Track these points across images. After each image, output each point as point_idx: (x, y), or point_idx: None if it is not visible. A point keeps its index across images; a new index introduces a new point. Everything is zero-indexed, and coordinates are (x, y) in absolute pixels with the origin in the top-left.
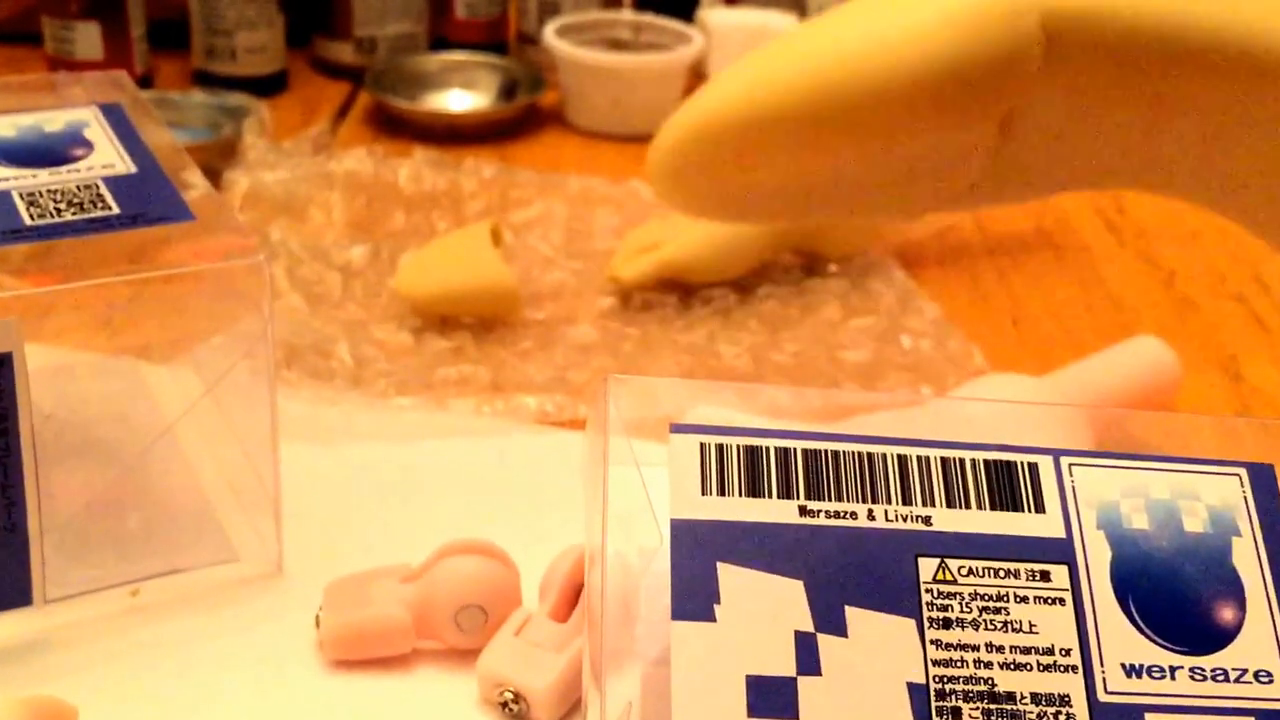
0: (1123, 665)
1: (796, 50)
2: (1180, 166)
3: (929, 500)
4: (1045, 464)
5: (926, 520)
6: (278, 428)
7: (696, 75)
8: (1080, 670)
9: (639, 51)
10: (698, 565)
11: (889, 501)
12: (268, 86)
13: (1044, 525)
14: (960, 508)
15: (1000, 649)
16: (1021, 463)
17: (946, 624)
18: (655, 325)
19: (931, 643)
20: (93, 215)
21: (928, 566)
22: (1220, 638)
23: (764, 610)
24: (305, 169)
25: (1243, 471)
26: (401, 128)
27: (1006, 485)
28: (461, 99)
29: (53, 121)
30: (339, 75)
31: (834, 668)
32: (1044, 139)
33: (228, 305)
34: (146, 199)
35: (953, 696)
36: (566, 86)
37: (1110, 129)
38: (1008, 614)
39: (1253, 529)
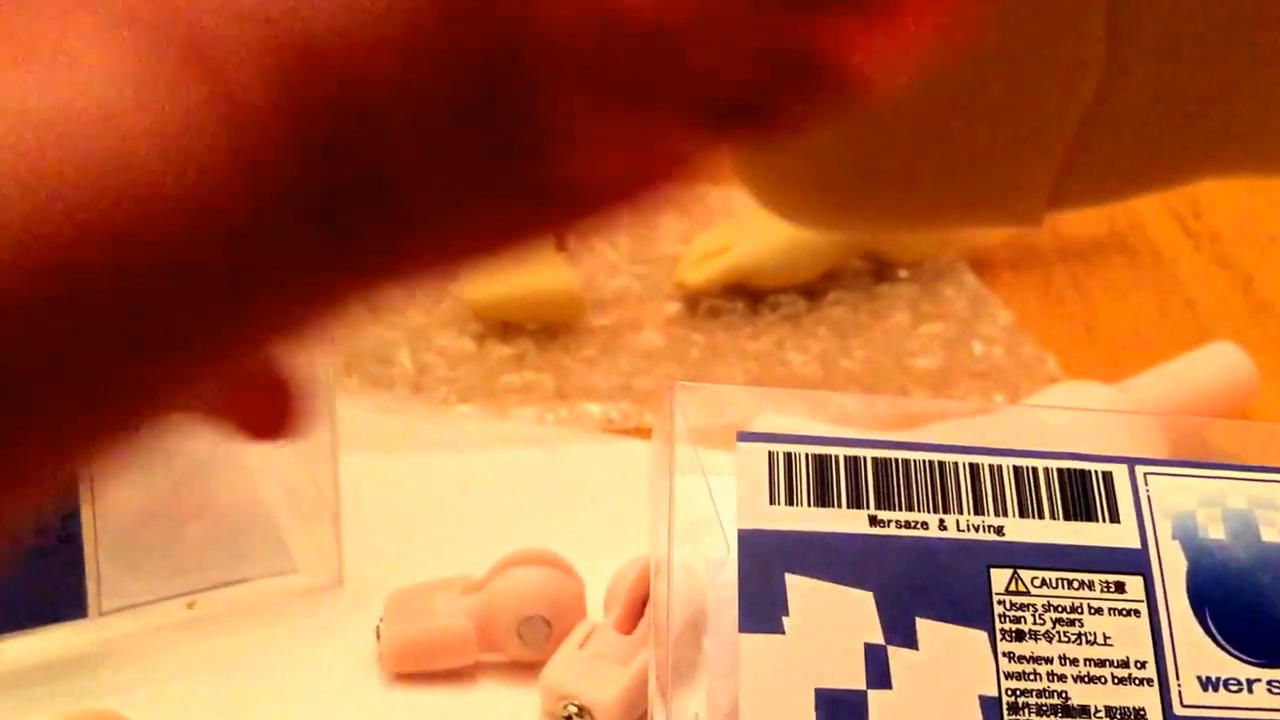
0: (1199, 678)
1: None
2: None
3: (1001, 510)
4: (1120, 473)
5: (999, 530)
6: (337, 436)
7: None
8: (1156, 683)
9: None
10: (766, 576)
11: (960, 511)
12: None
13: (1119, 535)
14: (1033, 517)
15: (1074, 661)
16: (1096, 471)
17: (1019, 636)
18: (722, 331)
19: (1004, 655)
20: None
21: (1000, 577)
22: None
23: (833, 622)
24: None
25: None
26: None
27: (1080, 495)
28: None
29: None
30: None
31: (905, 681)
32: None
33: None
34: None
35: (1026, 710)
36: None
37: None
38: (1082, 626)
39: None
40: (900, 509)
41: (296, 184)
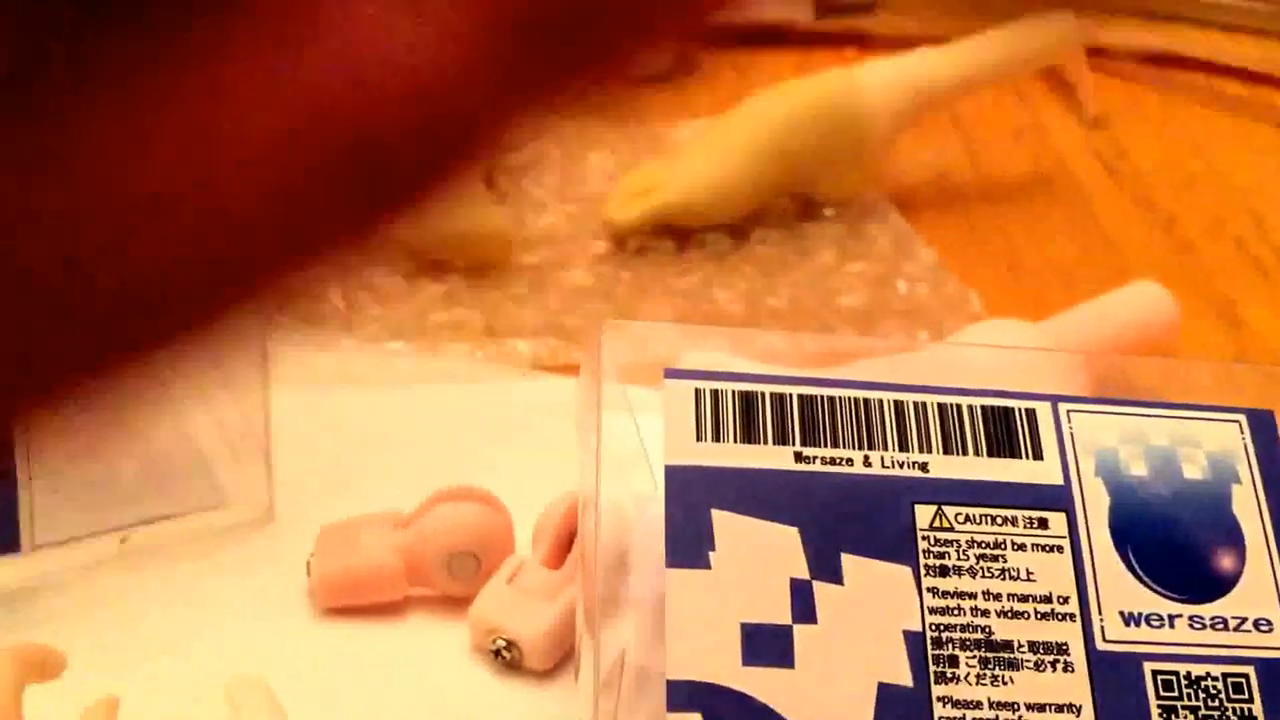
0: (1121, 613)
1: None
2: None
3: (926, 447)
4: (1043, 410)
5: (923, 467)
6: (269, 372)
7: None
8: (1078, 618)
9: None
10: (692, 512)
11: (885, 448)
12: None
13: (1042, 472)
14: (957, 454)
15: (997, 597)
16: (1019, 409)
17: (943, 571)
18: (649, 270)
19: (928, 590)
20: None
21: (924, 514)
22: (1219, 585)
23: (759, 557)
24: None
25: (1242, 418)
26: None
27: (1004, 432)
28: None
29: None
30: None
31: (830, 616)
32: None
33: None
34: None
35: (950, 645)
36: None
37: None
38: (1005, 561)
39: (1252, 476)
40: (825, 445)
41: None
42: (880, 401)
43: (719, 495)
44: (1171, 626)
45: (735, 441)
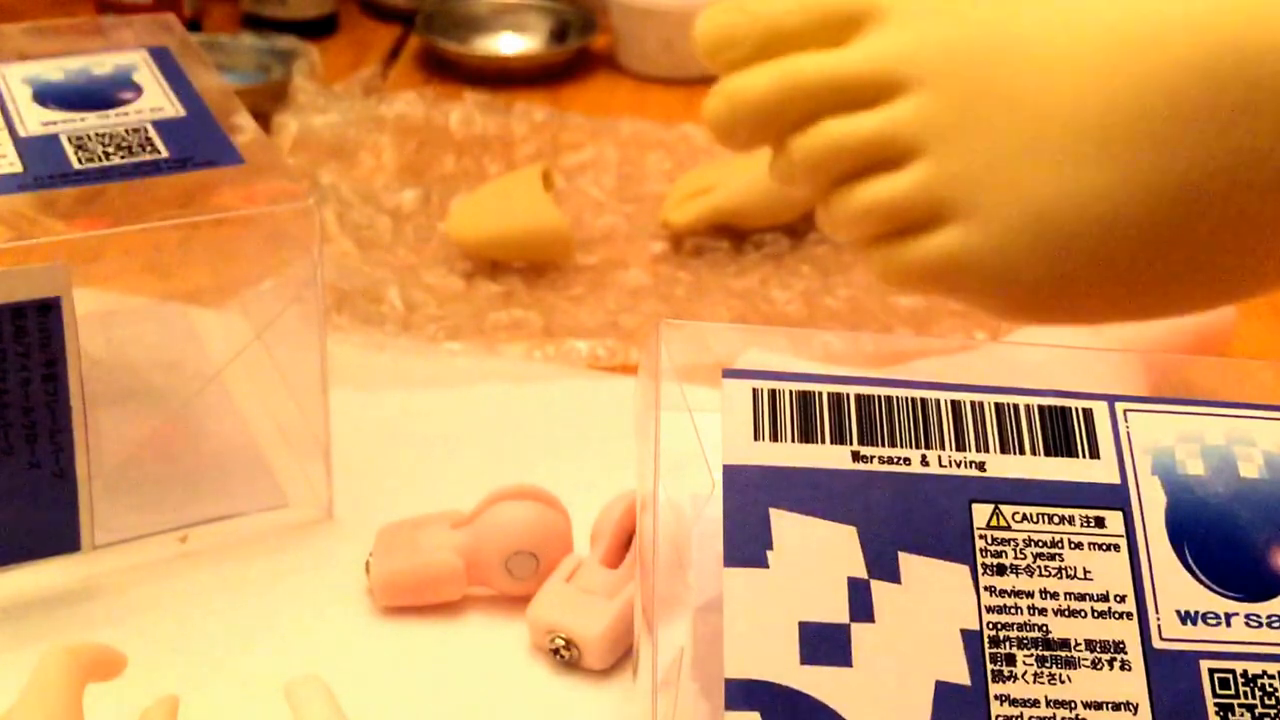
0: (1178, 612)
1: None
2: None
3: (983, 446)
4: (1100, 409)
5: (980, 466)
6: (327, 373)
7: None
8: (1135, 617)
9: None
10: (750, 511)
11: (943, 447)
12: (318, 29)
13: (1099, 471)
14: (1014, 454)
15: (1054, 595)
16: (1076, 408)
17: (1000, 570)
18: (707, 270)
19: (985, 589)
20: (141, 159)
21: (981, 513)
22: (1276, 584)
23: (817, 556)
24: (355, 112)
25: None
26: (452, 71)
27: (1061, 431)
28: (512, 42)
29: (101, 65)
30: (389, 18)
31: (887, 614)
32: None
33: (277, 250)
34: (195, 142)
35: (1007, 643)
36: (618, 29)
37: None
38: (1062, 560)
39: None
40: (883, 445)
41: None
42: (937, 401)
43: (777, 494)
44: (1228, 625)
45: (793, 441)
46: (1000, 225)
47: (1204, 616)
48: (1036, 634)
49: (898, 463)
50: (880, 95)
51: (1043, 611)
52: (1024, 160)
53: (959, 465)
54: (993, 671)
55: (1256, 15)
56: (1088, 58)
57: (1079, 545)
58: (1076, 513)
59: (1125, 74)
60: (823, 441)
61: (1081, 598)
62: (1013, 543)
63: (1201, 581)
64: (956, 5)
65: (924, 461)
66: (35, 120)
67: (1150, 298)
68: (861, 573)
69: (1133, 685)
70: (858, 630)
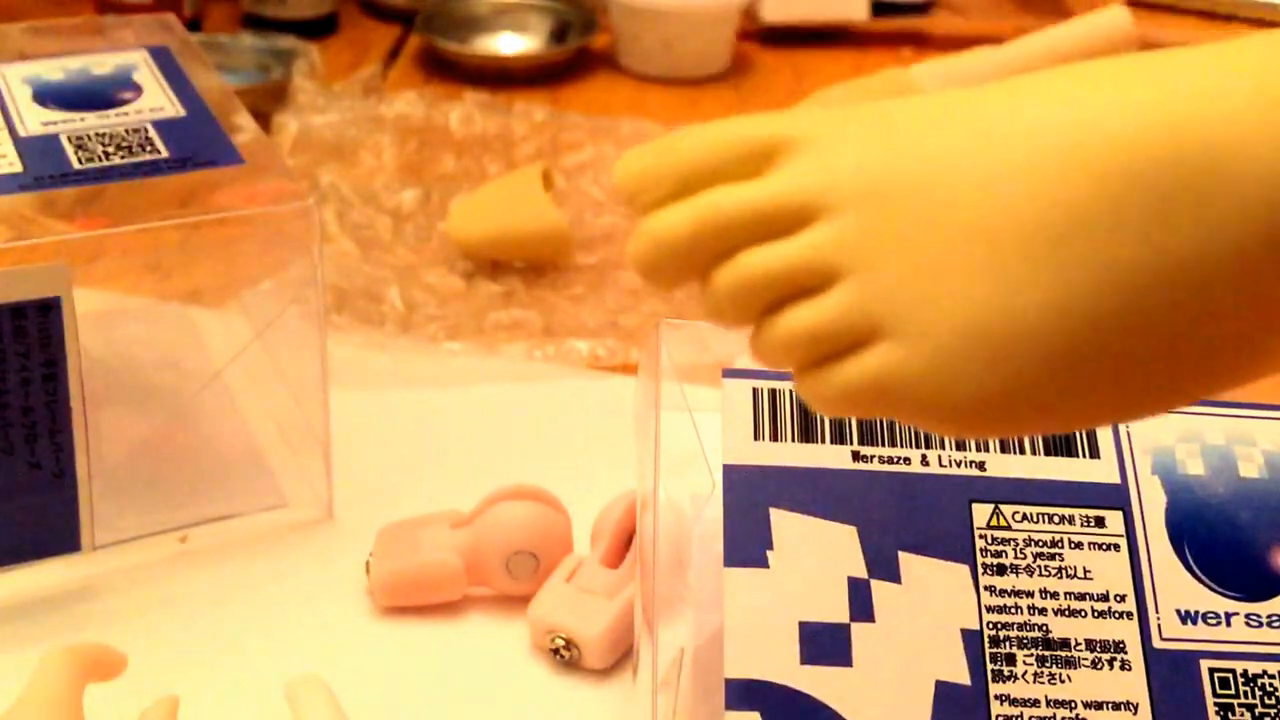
0: (1178, 611)
1: None
2: None
3: (983, 445)
4: None
5: (980, 466)
6: (327, 373)
7: (748, 18)
8: (1135, 617)
9: None
10: (750, 511)
11: (943, 447)
12: (317, 29)
13: (1099, 471)
14: (1014, 453)
15: (1055, 595)
16: None
17: (1000, 570)
18: None
19: (986, 589)
20: (141, 159)
21: (981, 512)
22: (1276, 584)
23: (817, 556)
24: (355, 112)
25: None
26: (452, 71)
27: None
28: (512, 42)
29: (101, 65)
30: (389, 18)
31: (887, 614)
32: None
33: (277, 250)
34: (196, 143)
35: (1007, 643)
36: (618, 29)
37: None
38: (1062, 560)
39: None
40: (883, 445)
41: None
42: None
43: (777, 494)
44: (1228, 625)
45: (793, 441)
46: (929, 341)
47: (1204, 616)
48: (1037, 634)
49: (898, 462)
50: (798, 223)
51: (1043, 611)
52: (950, 276)
53: (959, 465)
54: (993, 671)
55: (1174, 122)
56: (1008, 173)
57: (1079, 545)
58: (1076, 512)
59: (1046, 185)
60: (823, 441)
61: (1082, 597)
62: (1013, 542)
63: (1202, 581)
64: (873, 130)
65: (924, 461)
66: (35, 120)
67: (1106, 403)
68: (862, 572)
69: (1133, 685)
70: (858, 630)
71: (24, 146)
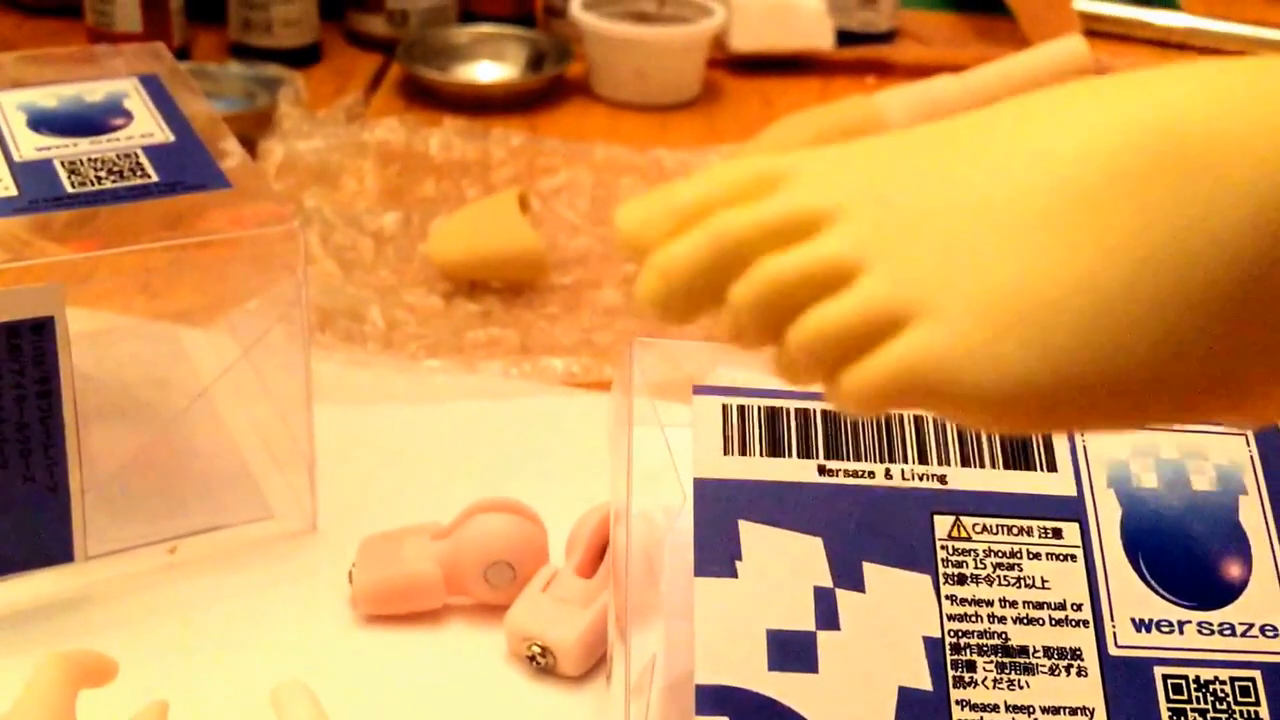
0: (1133, 620)
1: None
2: None
3: (945, 459)
4: None
5: (942, 479)
6: (311, 390)
7: (718, 47)
8: (1091, 625)
9: (664, 24)
10: (720, 523)
11: (906, 461)
12: (302, 58)
13: (1056, 484)
14: (975, 467)
15: (1014, 604)
16: None
17: (961, 579)
18: None
19: (947, 598)
20: (132, 183)
21: (943, 524)
22: (1227, 593)
23: (784, 566)
24: (338, 138)
25: (1249, 431)
26: (432, 98)
27: (1020, 445)
28: (490, 70)
29: (93, 92)
30: (372, 47)
31: (852, 622)
32: None
33: (263, 271)
34: (184, 167)
35: (968, 650)
36: (592, 58)
37: None
38: (1021, 570)
39: (1259, 487)
40: (848, 459)
41: None
42: (901, 416)
43: (746, 507)
44: (1181, 632)
45: (761, 455)
46: (960, 319)
47: (1158, 624)
48: (996, 641)
49: (863, 476)
50: (810, 230)
51: (1002, 619)
52: (973, 255)
53: (921, 478)
54: (954, 677)
55: (1176, 113)
56: (1021, 163)
57: (1037, 555)
58: (1035, 524)
59: (1061, 168)
60: (790, 456)
61: (1039, 606)
62: (973, 553)
63: (1155, 590)
64: (869, 152)
65: (888, 475)
66: (30, 145)
67: (1140, 377)
68: (827, 582)
69: (1089, 690)
70: (824, 638)
71: (19, 171)
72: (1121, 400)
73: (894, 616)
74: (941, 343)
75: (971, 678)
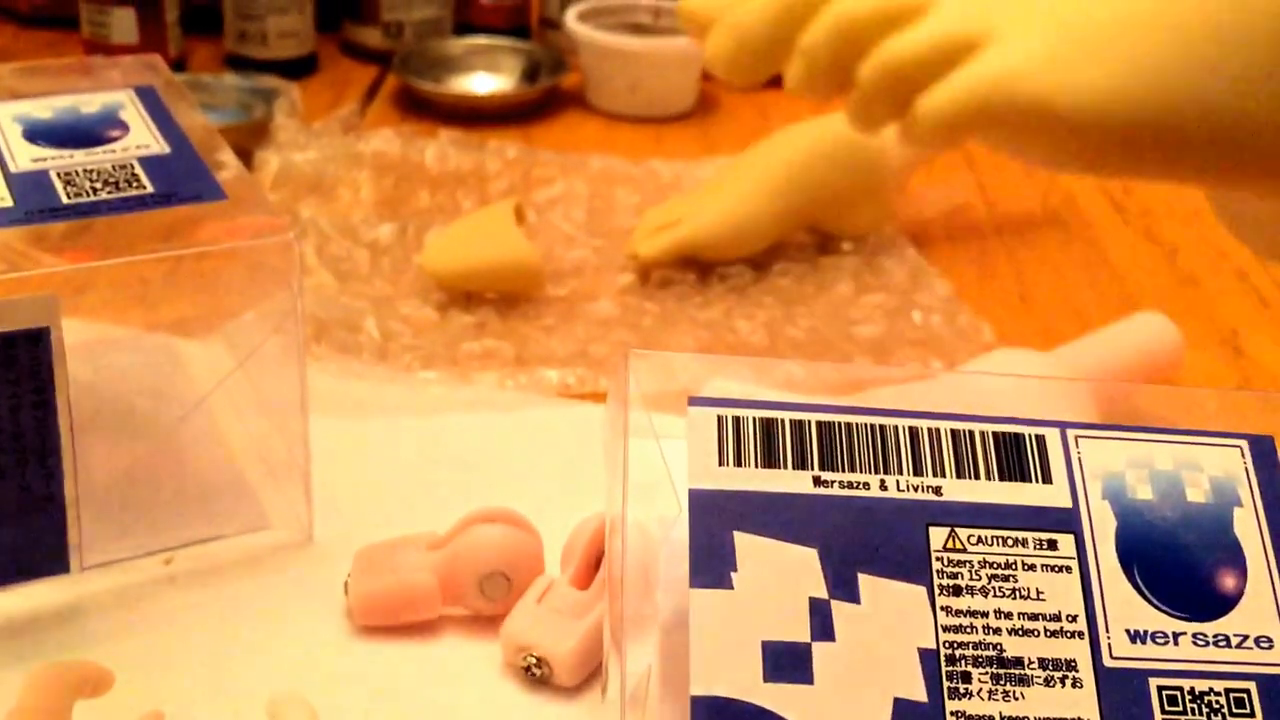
0: (1127, 631)
1: None
2: None
3: (939, 471)
4: (1052, 436)
5: (937, 490)
6: (307, 400)
7: None
8: (1086, 636)
9: (658, 36)
10: (715, 534)
11: (900, 472)
12: (298, 69)
13: (1051, 495)
14: (970, 478)
15: (1009, 615)
16: (1029, 435)
17: (956, 591)
18: (673, 301)
19: (942, 609)
20: (128, 194)
21: (938, 535)
22: (1222, 604)
23: (779, 578)
24: (334, 149)
25: (1244, 443)
26: (427, 109)
27: (1015, 456)
28: (485, 82)
29: (89, 104)
30: (367, 59)
31: (847, 634)
32: None
33: (259, 282)
34: (180, 179)
35: (963, 662)
36: (587, 69)
37: None
38: (1016, 581)
39: (1254, 499)
40: (843, 470)
41: None
42: (895, 428)
43: (740, 518)
44: (1176, 644)
45: (756, 466)
46: (1042, 34)
47: (1153, 636)
48: (991, 653)
49: (857, 487)
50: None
51: (997, 631)
52: None
53: (916, 490)
54: (949, 689)
55: None
56: None
57: (1032, 567)
58: (1029, 535)
59: None
60: (785, 467)
61: (1034, 617)
62: (968, 564)
63: (1150, 602)
64: None
65: (883, 486)
66: (26, 157)
67: (1207, 98)
68: (822, 593)
69: (1084, 702)
70: (819, 649)
71: (15, 182)
72: (1201, 128)
73: (889, 628)
74: (1020, 59)
75: (967, 689)
